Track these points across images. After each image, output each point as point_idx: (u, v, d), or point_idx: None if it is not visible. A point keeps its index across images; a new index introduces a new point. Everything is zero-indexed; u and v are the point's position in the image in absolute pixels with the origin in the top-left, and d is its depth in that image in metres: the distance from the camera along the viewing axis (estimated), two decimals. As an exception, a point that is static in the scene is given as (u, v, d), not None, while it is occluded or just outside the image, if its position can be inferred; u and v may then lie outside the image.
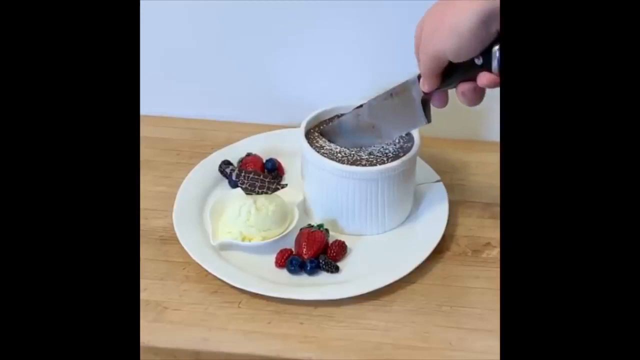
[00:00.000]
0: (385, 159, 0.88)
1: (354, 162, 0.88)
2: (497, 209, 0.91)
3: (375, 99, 0.88)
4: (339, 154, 0.90)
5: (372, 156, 0.89)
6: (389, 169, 0.86)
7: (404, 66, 1.06)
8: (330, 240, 0.89)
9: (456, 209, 0.94)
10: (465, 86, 0.73)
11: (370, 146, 0.89)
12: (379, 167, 0.86)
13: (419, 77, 0.79)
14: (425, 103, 0.82)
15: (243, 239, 0.88)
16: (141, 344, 0.76)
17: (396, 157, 0.88)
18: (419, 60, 0.74)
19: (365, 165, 0.87)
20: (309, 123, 0.93)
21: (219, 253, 0.87)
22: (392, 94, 0.85)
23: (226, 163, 0.98)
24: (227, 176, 0.97)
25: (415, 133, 0.92)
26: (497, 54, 0.69)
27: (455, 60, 0.70)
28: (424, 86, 0.76)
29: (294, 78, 1.08)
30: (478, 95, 0.74)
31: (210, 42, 1.07)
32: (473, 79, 0.72)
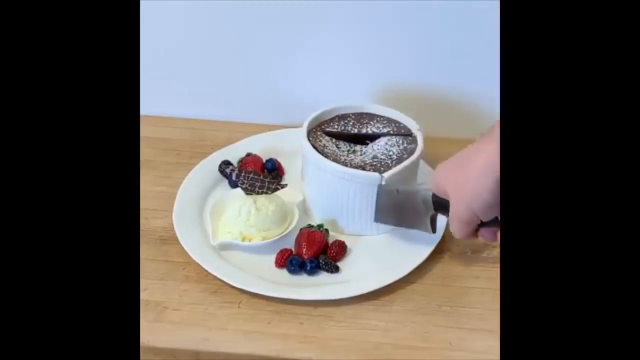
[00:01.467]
0: (389, 162, 0.88)
1: (356, 166, 0.88)
2: (497, 209, 0.91)
3: (379, 186, 0.87)
4: (341, 156, 0.90)
5: (375, 160, 0.89)
6: (391, 175, 0.86)
7: (403, 66, 1.06)
8: (330, 240, 0.89)
9: (456, 209, 0.94)
10: (484, 230, 0.76)
11: None
12: (381, 173, 0.86)
13: (432, 196, 0.81)
14: (433, 218, 0.84)
15: (243, 239, 0.88)
16: (141, 344, 0.76)
17: (400, 159, 0.88)
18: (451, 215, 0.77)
19: (368, 170, 0.87)
20: (310, 123, 0.93)
21: (219, 253, 0.87)
22: (397, 190, 0.86)
23: (226, 163, 0.98)
24: (227, 176, 0.97)
25: (418, 136, 0.92)
26: None
27: (485, 220, 0.74)
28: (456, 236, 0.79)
29: (294, 78, 1.08)
30: (495, 238, 0.77)
31: (211, 43, 1.07)
32: (494, 226, 0.75)
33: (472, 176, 0.71)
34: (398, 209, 0.87)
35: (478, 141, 0.73)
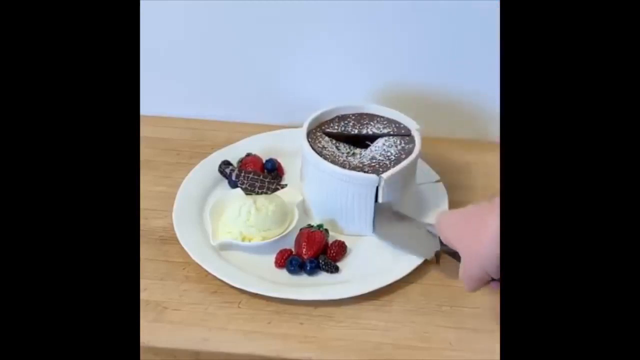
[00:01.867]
0: (387, 162, 0.88)
1: (355, 167, 0.88)
2: (497, 209, 0.91)
3: (384, 205, 0.88)
4: (340, 157, 0.89)
5: (374, 160, 0.89)
6: (390, 175, 0.86)
7: (403, 66, 1.06)
8: (330, 241, 0.89)
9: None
10: (495, 284, 0.76)
11: None
12: (380, 174, 0.86)
13: (441, 242, 0.81)
14: (437, 254, 0.84)
15: (243, 239, 0.88)
16: (141, 344, 0.76)
17: (398, 160, 0.88)
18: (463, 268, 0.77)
19: (367, 171, 0.87)
20: (310, 124, 0.93)
21: (219, 253, 0.87)
22: (403, 217, 0.87)
23: (226, 163, 0.98)
24: (227, 176, 0.97)
25: (416, 136, 0.92)
26: None
27: (497, 278, 0.74)
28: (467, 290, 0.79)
29: (294, 78, 1.08)
30: None
31: (211, 43, 1.07)
32: None
33: (485, 241, 0.71)
34: (402, 235, 0.87)
35: (490, 200, 0.72)
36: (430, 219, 0.91)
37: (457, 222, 0.77)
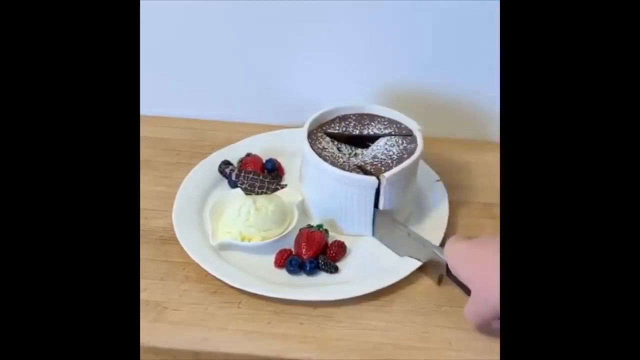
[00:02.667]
0: (390, 161, 0.88)
1: (356, 166, 0.88)
2: (497, 209, 0.91)
3: (388, 214, 0.88)
4: (341, 158, 0.89)
5: (376, 159, 0.89)
6: (392, 175, 0.86)
7: (403, 66, 1.06)
8: (330, 241, 0.89)
9: (456, 209, 0.94)
10: (496, 321, 0.76)
11: None
12: (382, 173, 0.86)
13: (447, 268, 0.80)
14: (440, 277, 0.84)
15: (243, 239, 0.88)
16: (141, 344, 0.76)
17: (400, 159, 0.88)
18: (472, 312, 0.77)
19: (369, 170, 0.87)
20: (311, 124, 0.93)
21: (218, 253, 0.87)
22: (409, 233, 0.86)
23: (226, 163, 0.98)
24: (227, 176, 0.97)
25: (418, 136, 0.91)
26: None
27: None
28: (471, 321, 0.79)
29: (294, 78, 1.08)
30: None
31: (211, 43, 1.07)
32: None
33: (486, 274, 0.70)
34: (406, 248, 0.86)
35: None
36: (429, 216, 0.92)
37: (470, 259, 0.77)
